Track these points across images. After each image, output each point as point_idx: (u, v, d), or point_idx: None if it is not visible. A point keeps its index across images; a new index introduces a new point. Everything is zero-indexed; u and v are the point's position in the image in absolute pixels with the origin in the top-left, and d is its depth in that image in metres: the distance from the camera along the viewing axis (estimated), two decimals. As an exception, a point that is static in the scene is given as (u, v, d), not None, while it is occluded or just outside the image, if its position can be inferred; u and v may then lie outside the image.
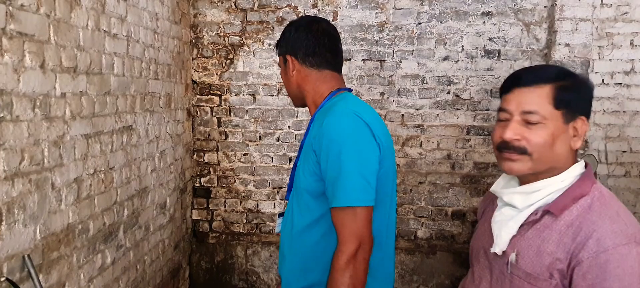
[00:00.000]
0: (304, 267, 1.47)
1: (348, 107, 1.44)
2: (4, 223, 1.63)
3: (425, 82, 3.63)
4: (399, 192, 3.71)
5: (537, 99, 1.17)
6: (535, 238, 1.21)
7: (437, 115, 3.64)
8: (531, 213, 1.23)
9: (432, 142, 3.67)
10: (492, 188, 1.34)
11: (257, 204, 3.85)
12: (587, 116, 1.21)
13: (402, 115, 3.67)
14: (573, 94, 1.18)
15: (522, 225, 1.24)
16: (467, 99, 3.61)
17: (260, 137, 3.80)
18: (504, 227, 1.26)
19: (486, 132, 3.62)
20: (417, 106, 3.65)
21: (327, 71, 1.58)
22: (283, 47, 1.62)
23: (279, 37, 1.65)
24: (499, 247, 1.26)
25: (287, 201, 1.60)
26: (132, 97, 2.66)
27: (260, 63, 3.73)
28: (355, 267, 1.33)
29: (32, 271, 1.73)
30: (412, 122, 3.66)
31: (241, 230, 3.89)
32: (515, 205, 1.25)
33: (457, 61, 3.58)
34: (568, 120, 1.18)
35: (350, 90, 1.65)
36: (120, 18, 2.46)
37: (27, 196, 1.75)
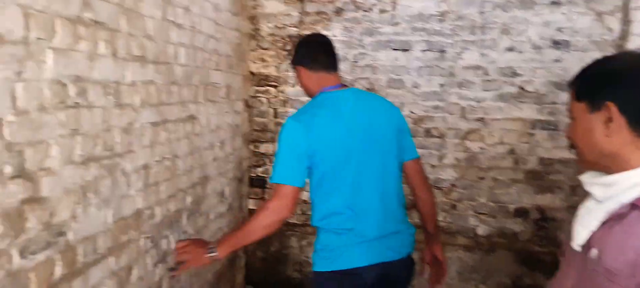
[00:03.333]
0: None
1: (298, 111, 1.97)
2: (80, 205, 1.68)
3: (487, 73, 3.50)
4: (457, 187, 3.61)
5: (571, 94, 1.19)
6: (620, 234, 1.13)
7: (500, 108, 3.51)
8: (619, 208, 1.15)
9: (494, 136, 3.54)
10: (580, 176, 1.27)
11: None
12: (615, 100, 1.11)
13: (463, 107, 3.55)
14: (591, 81, 1.14)
15: (607, 221, 1.16)
16: (532, 92, 3.45)
17: (316, 128, 3.78)
18: (582, 221, 1.20)
19: (552, 127, 3.46)
20: (479, 99, 3.53)
21: (321, 72, 2.00)
22: (292, 61, 2.12)
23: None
24: (576, 241, 1.20)
25: None
26: (196, 87, 2.70)
27: (318, 54, 3.70)
28: (263, 217, 1.85)
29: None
30: (473, 115, 3.55)
31: (295, 221, 3.89)
32: (595, 195, 1.19)
33: (522, 52, 3.44)
34: (593, 110, 1.12)
35: (343, 85, 2.02)
36: (185, 8, 2.50)
37: (100, 181, 1.80)
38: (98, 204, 1.79)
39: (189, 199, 2.61)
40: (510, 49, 3.44)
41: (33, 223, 1.47)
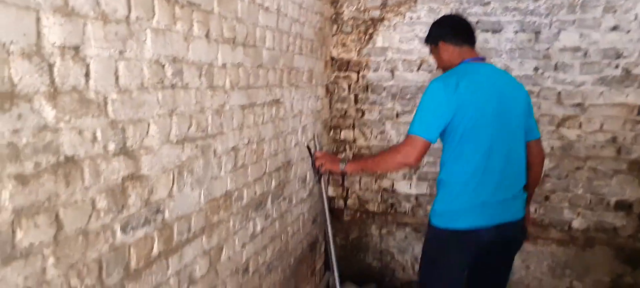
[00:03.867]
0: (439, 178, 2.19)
1: (444, 75, 2.10)
2: (175, 185, 1.71)
3: (587, 55, 3.23)
4: (552, 177, 3.38)
5: None
6: None
7: (601, 92, 3.23)
8: None
9: (594, 123, 3.27)
10: None
11: (392, 184, 3.76)
12: None
13: (559, 92, 3.31)
14: None
15: None
16: (639, 75, 3.15)
17: (397, 114, 3.69)
18: None
19: (662, 113, 3.14)
20: (577, 83, 3.27)
21: (465, 46, 2.18)
22: (434, 39, 2.26)
23: (426, 34, 2.32)
24: None
25: None
26: (280, 71, 2.69)
27: (401, 37, 3.60)
28: (392, 160, 2.08)
29: (317, 144, 2.55)
30: (570, 100, 3.29)
31: (375, 210, 3.82)
32: None
33: (628, 31, 3.14)
34: None
35: (483, 58, 2.21)
36: (272, -9, 2.49)
37: (194, 161, 1.83)
38: (192, 184, 1.82)
39: (273, 183, 2.62)
40: (615, 28, 3.15)
41: (134, 199, 1.50)
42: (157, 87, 1.60)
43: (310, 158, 2.50)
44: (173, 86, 1.68)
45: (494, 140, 2.01)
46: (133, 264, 1.52)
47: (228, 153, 2.10)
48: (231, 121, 2.11)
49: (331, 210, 3.93)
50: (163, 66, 1.63)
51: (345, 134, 3.84)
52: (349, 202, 3.89)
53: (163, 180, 1.65)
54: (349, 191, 3.88)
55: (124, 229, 1.47)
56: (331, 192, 3.92)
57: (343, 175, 2.34)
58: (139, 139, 1.52)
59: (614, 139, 3.24)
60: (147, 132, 1.56)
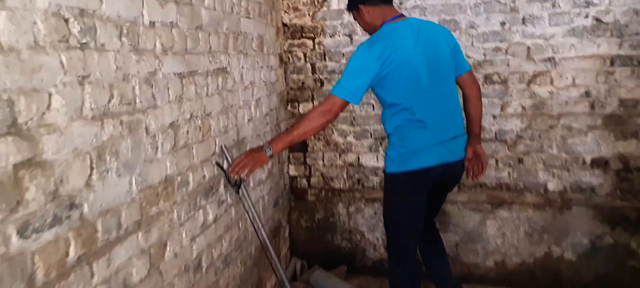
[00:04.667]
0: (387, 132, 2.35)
1: (370, 39, 2.24)
2: (95, 171, 1.37)
3: (556, 5, 3.02)
4: (524, 138, 3.18)
5: None
6: None
7: (572, 45, 3.04)
8: None
9: (566, 78, 3.08)
10: None
11: (358, 157, 3.49)
12: None
13: (528, 47, 3.10)
14: None
15: None
16: (610, 23, 2.97)
17: (359, 82, 3.39)
18: None
19: (636, 62, 2.97)
20: (547, 35, 3.06)
21: (382, 5, 2.29)
22: (354, 4, 2.35)
23: (347, 2, 2.43)
24: None
25: None
26: (225, 36, 2.34)
27: (358, -2, 3.29)
28: (313, 118, 2.17)
29: (227, 156, 2.24)
30: (541, 55, 3.09)
31: (342, 186, 3.55)
32: None
33: (598, -24, 2.95)
34: None
35: (402, 15, 2.32)
36: (209, -59, 2.13)
37: (120, 141, 1.48)
38: (119, 169, 1.47)
39: (225, 164, 2.28)
40: (584, -26, 2.96)
41: (34, 193, 1.15)
42: (60, 48, 1.24)
43: (223, 174, 2.22)
44: (83, 47, 1.32)
45: (429, 88, 2.18)
46: (40, 276, 1.18)
47: (165, 131, 1.76)
48: (166, 92, 1.77)
49: (294, 190, 3.63)
50: (66, 20, 1.27)
51: (303, 108, 3.53)
52: (313, 180, 3.60)
53: (77, 167, 1.30)
54: (312, 169, 3.59)
55: (21, 233, 1.12)
56: (293, 171, 3.61)
57: (271, 159, 2.22)
58: (37, 115, 1.17)
59: (587, 93, 3.06)
60: (49, 106, 1.21)
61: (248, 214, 2.30)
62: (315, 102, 3.48)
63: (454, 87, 2.35)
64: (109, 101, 1.43)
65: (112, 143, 1.44)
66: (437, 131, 2.23)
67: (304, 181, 3.61)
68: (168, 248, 1.78)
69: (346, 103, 2.15)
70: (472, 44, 3.17)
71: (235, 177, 2.18)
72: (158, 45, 1.71)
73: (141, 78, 1.60)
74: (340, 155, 3.52)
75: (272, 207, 3.16)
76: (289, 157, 3.59)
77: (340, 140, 3.49)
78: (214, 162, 2.15)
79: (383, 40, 2.16)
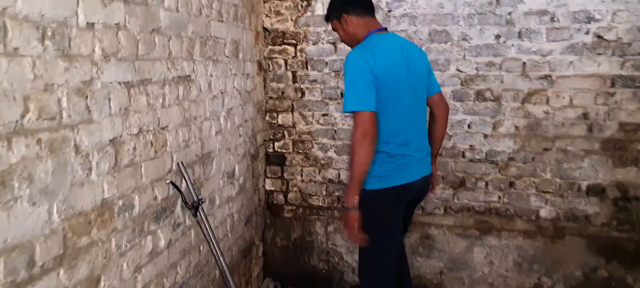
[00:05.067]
0: None
1: (357, 48, 2.16)
2: (-3, 201, 1.13)
3: (555, 19, 2.82)
4: (517, 161, 2.97)
5: None
6: None
7: (571, 62, 2.83)
8: None
9: (563, 98, 2.87)
10: None
11: (339, 173, 3.26)
12: None
13: (524, 63, 2.89)
14: None
15: None
16: (612, 41, 2.76)
17: (342, 93, 3.17)
18: None
19: (638, 83, 2.77)
20: (544, 51, 2.85)
21: (367, 16, 2.23)
22: (336, 13, 2.26)
23: (326, 11, 2.34)
24: None
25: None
26: (190, 40, 2.12)
27: (344, 3, 3.07)
28: (359, 145, 2.01)
29: (185, 174, 2.01)
30: (537, 72, 2.88)
31: (321, 204, 3.32)
32: None
33: (600, -9, 2.74)
34: None
35: (385, 28, 2.28)
36: None
37: (35, 163, 1.24)
38: (32, 196, 1.24)
39: (183, 183, 2.05)
40: (586, -12, 2.75)
41: None
42: (-51, 52, 1.01)
43: (179, 194, 1.99)
44: (-15, 51, 1.09)
45: (409, 105, 2.17)
46: None
47: (103, 148, 1.52)
48: (106, 104, 1.53)
49: (270, 206, 3.40)
50: (-40, 19, 1.03)
51: (283, 118, 3.30)
52: (290, 196, 3.37)
53: (-31, 197, 1.06)
54: (290, 184, 3.36)
55: None
56: (269, 185, 3.38)
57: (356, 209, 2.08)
58: None
59: (585, 115, 2.86)
60: None
61: (206, 239, 2.06)
62: (296, 113, 3.26)
63: (425, 105, 2.34)
64: (23, 116, 1.20)
65: (23, 166, 1.20)
66: (417, 147, 2.25)
67: (281, 196, 3.38)
68: (103, 283, 1.54)
69: (373, 113, 2.03)
70: (464, 57, 2.96)
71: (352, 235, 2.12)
72: (97, 50, 1.48)
73: (71, 88, 1.36)
74: (319, 171, 3.29)
75: (243, 225, 2.93)
76: (265, 170, 3.36)
77: (320, 154, 3.27)
78: (167, 181, 1.92)
79: (374, 49, 2.10)
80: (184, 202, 1.97)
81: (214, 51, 2.39)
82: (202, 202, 2.02)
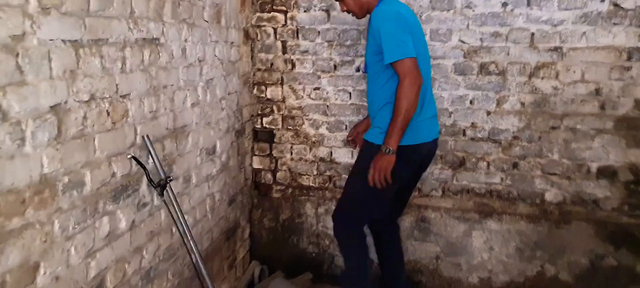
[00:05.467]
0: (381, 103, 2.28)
1: (382, 4, 2.24)
2: None
3: (568, -15, 2.57)
4: (521, 140, 2.75)
5: None
6: None
7: (584, 33, 2.59)
8: None
9: (574, 72, 2.64)
10: None
11: (331, 152, 3.05)
12: None
13: (532, 34, 2.65)
14: None
15: None
16: (630, 10, 2.52)
17: (335, 66, 2.95)
18: None
19: (657, 57, 2.53)
20: (555, 21, 2.61)
21: None
22: None
23: None
24: None
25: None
26: (159, -1, 1.89)
27: (337, -33, 2.83)
28: (410, 92, 2.09)
29: (151, 149, 1.78)
30: (546, 43, 2.64)
31: (311, 184, 3.12)
32: None
33: (618, -47, 2.49)
34: None
35: None
36: None
37: (-56, 130, 1.04)
38: (-61, 171, 1.03)
39: (150, 160, 1.84)
40: (602, -50, 2.50)
41: None
42: None
43: (143, 170, 1.77)
44: None
45: (424, 63, 2.24)
46: None
47: (41, 116, 1.31)
48: (46, 65, 1.32)
49: (257, 185, 3.20)
50: None
51: (271, 92, 3.08)
52: (279, 175, 3.17)
53: None
54: (279, 162, 3.16)
55: None
56: (257, 163, 3.18)
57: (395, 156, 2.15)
58: None
59: (597, 91, 2.63)
60: None
61: (175, 221, 1.87)
62: (286, 87, 3.04)
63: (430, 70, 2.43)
64: None
65: None
66: (429, 106, 2.32)
67: (269, 175, 3.18)
68: (43, 270, 1.34)
69: (415, 59, 2.11)
70: (467, 26, 2.72)
71: (375, 177, 2.18)
72: (32, 0, 1.26)
73: (-5, 43, 1.15)
74: (310, 149, 3.08)
75: (226, 205, 2.73)
76: (252, 148, 3.15)
77: (311, 131, 3.06)
78: (129, 156, 1.71)
79: (397, 7, 2.20)
80: (149, 180, 1.77)
81: (190, 13, 2.16)
82: (171, 181, 1.82)
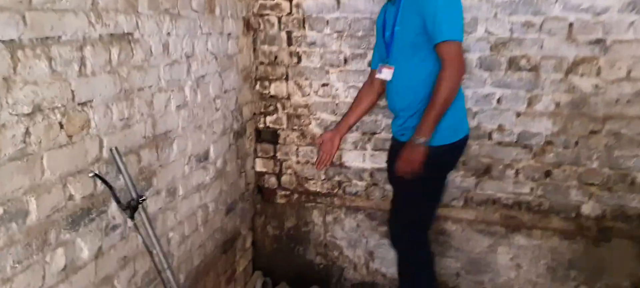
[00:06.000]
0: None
1: None
2: None
3: (614, -33, 2.22)
4: (556, 145, 2.42)
5: None
6: None
7: (632, 23, 2.24)
8: None
9: (619, 68, 2.29)
10: None
11: (340, 155, 2.76)
12: None
13: (570, 24, 2.30)
14: None
15: None
16: (689, -4, 2.16)
17: (345, 59, 2.65)
18: None
19: None
20: (597, 9, 2.26)
21: None
22: None
23: None
24: None
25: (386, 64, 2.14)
26: (131, -13, 1.62)
27: (348, -53, 2.52)
28: (453, 79, 1.90)
29: (120, 164, 1.50)
30: (586, 35, 2.29)
31: (319, 189, 2.84)
32: None
33: None
34: None
35: None
36: None
37: None
38: None
39: (120, 177, 1.58)
40: None
41: None
42: None
43: (108, 189, 1.49)
44: None
45: None
46: None
47: (-41, 136, 1.05)
48: (-36, 72, 1.06)
49: (260, 190, 2.93)
50: None
51: (275, 88, 2.80)
52: (284, 179, 2.89)
53: None
54: (284, 165, 2.88)
55: None
56: (260, 165, 2.91)
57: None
58: None
59: (646, 91, 2.28)
60: None
61: (150, 252, 1.61)
62: (291, 82, 2.75)
63: None
64: None
65: None
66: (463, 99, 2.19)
67: (273, 179, 2.91)
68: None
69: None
70: (495, 15, 2.38)
71: (406, 170, 1.99)
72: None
73: None
74: (318, 151, 2.80)
75: (222, 215, 2.47)
76: (255, 149, 2.88)
77: (318, 131, 2.77)
78: (90, 174, 1.45)
79: None
80: (116, 201, 1.51)
81: (173, 3, 1.88)
82: (144, 200, 1.55)
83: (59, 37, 1.31)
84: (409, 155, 1.96)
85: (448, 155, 2.11)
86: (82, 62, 1.40)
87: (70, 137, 1.37)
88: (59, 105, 1.33)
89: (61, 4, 1.31)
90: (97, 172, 1.47)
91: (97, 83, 1.47)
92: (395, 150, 2.14)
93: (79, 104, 1.40)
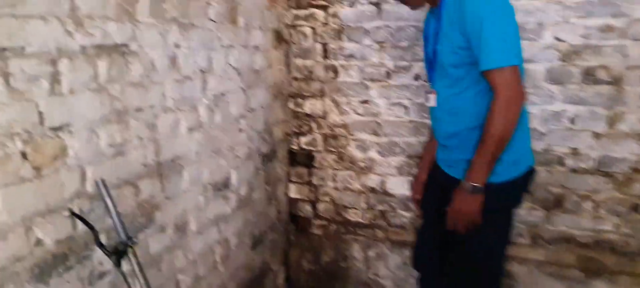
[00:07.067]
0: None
1: None
2: None
3: None
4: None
5: None
6: None
7: None
8: None
9: None
10: None
11: (383, 181, 2.43)
12: None
13: (664, 25, 1.88)
14: None
15: None
16: None
17: (388, 73, 2.33)
18: None
19: None
20: (700, 6, 1.83)
21: None
22: None
23: None
24: None
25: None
26: (126, -9, 1.38)
27: (389, -53, 2.21)
28: (511, 110, 1.50)
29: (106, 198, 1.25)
30: (686, 38, 1.86)
31: (359, 219, 2.51)
32: None
33: None
34: None
35: None
36: None
37: None
38: None
39: (116, 208, 1.33)
40: None
41: None
42: None
43: (89, 228, 1.24)
44: None
45: None
46: None
47: None
48: None
49: (294, 218, 2.64)
50: None
51: (310, 106, 2.51)
52: (320, 207, 2.59)
53: None
54: (320, 191, 2.57)
55: None
56: (294, 191, 2.62)
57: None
58: None
59: None
60: None
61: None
62: (327, 99, 2.46)
63: None
64: None
65: None
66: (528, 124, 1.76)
67: (308, 207, 2.61)
68: None
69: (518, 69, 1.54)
70: (564, 19, 1.99)
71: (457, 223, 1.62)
72: None
73: None
74: (358, 176, 2.48)
75: (248, 249, 2.19)
76: (288, 173, 2.59)
77: (358, 154, 2.45)
78: (68, 212, 1.21)
79: None
80: (99, 244, 1.25)
81: (183, 11, 1.64)
82: (133, 245, 1.29)
83: (21, 48, 1.08)
84: (460, 206, 1.59)
85: (508, 193, 1.68)
86: (55, 79, 1.16)
87: (37, 169, 1.13)
88: (20, 130, 1.09)
89: (22, 8, 1.08)
90: (73, 210, 1.22)
91: (77, 103, 1.23)
92: (439, 181, 1.77)
93: (50, 129, 1.16)
